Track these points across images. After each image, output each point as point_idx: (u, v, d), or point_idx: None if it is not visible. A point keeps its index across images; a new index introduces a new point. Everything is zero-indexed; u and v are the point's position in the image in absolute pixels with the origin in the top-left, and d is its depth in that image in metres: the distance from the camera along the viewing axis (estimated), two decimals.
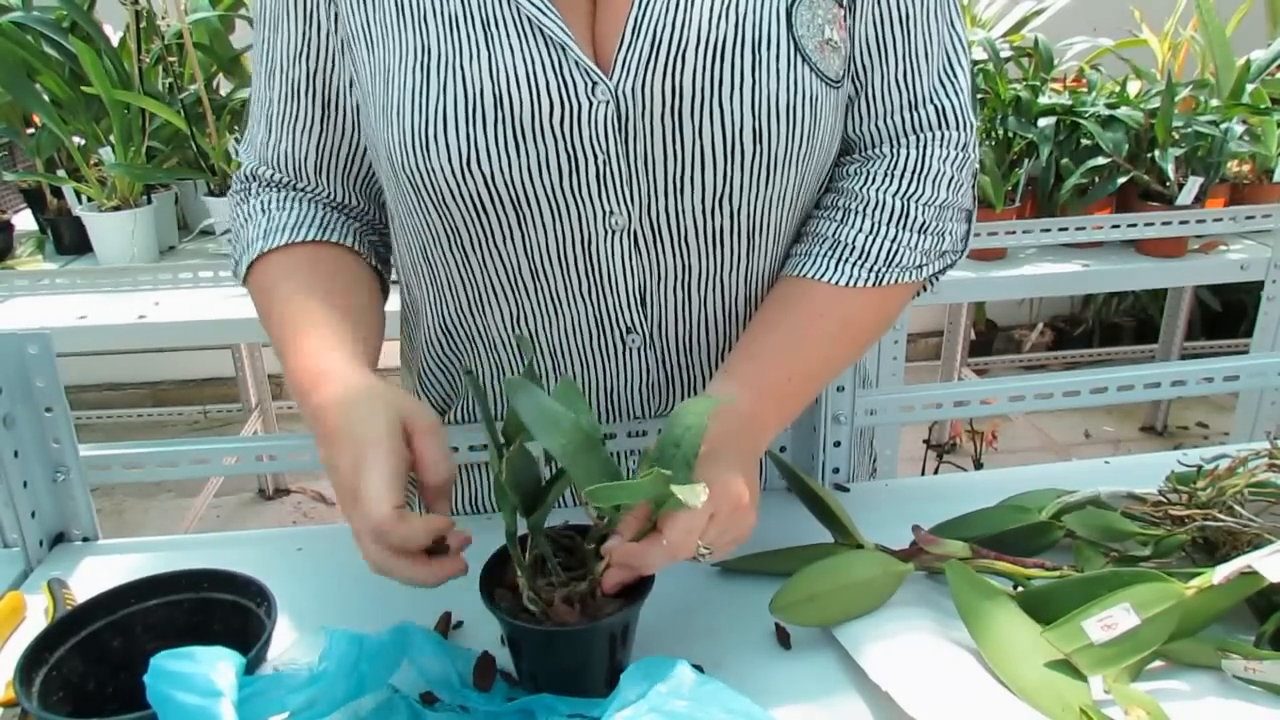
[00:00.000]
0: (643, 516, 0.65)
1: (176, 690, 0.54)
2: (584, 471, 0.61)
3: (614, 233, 0.78)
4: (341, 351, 0.73)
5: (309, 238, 0.82)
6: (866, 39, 0.78)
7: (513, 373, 0.88)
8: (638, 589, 0.66)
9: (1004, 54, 2.18)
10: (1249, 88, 2.04)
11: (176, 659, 0.55)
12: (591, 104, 0.72)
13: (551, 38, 0.71)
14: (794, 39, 0.74)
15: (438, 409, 0.95)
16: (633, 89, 0.72)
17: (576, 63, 0.72)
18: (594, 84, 0.72)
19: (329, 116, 0.83)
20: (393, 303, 0.90)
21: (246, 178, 0.88)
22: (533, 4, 0.72)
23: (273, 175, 0.86)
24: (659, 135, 0.74)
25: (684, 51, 0.72)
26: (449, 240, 0.80)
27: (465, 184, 0.74)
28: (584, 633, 0.64)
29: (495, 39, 0.72)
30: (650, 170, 0.75)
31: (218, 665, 0.55)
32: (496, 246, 0.79)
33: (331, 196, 0.86)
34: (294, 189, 0.86)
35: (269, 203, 0.85)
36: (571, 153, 0.74)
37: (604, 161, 0.74)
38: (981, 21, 2.31)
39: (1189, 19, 2.25)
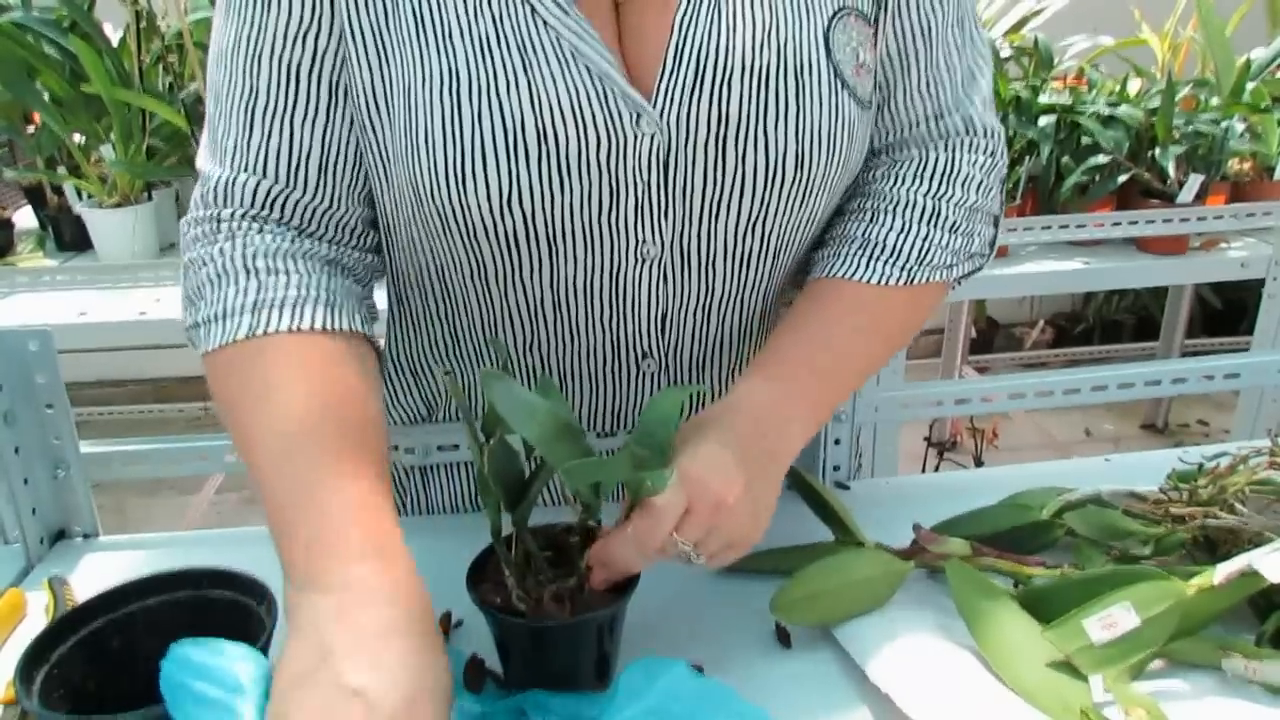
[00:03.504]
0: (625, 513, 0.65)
1: (198, 680, 0.53)
2: (560, 456, 0.60)
3: (643, 262, 0.76)
4: (381, 524, 0.60)
5: (316, 325, 0.66)
6: (888, 52, 0.77)
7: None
8: (627, 581, 0.66)
9: (1004, 53, 2.18)
10: (1249, 86, 2.04)
11: (201, 648, 0.55)
12: (637, 136, 0.69)
13: (593, 68, 0.68)
14: (833, 64, 0.72)
15: (427, 403, 0.94)
16: (678, 118, 0.70)
17: (623, 94, 0.68)
18: (638, 115, 0.69)
19: (336, 105, 0.71)
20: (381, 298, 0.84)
21: (215, 199, 0.71)
22: (571, 30, 0.67)
23: (260, 185, 0.70)
24: (700, 164, 0.72)
25: (729, 79, 0.70)
26: (471, 271, 0.76)
27: (502, 222, 0.70)
28: (572, 628, 0.64)
29: (534, 66, 0.67)
30: (688, 198, 0.73)
31: (244, 663, 0.55)
32: (522, 279, 0.76)
33: (332, 209, 0.73)
34: (281, 221, 0.72)
35: (255, 257, 0.68)
36: (614, 186, 0.71)
37: (643, 192, 0.72)
38: (981, 21, 2.31)
39: (1189, 18, 2.25)
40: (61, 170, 2.10)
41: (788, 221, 0.77)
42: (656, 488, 0.61)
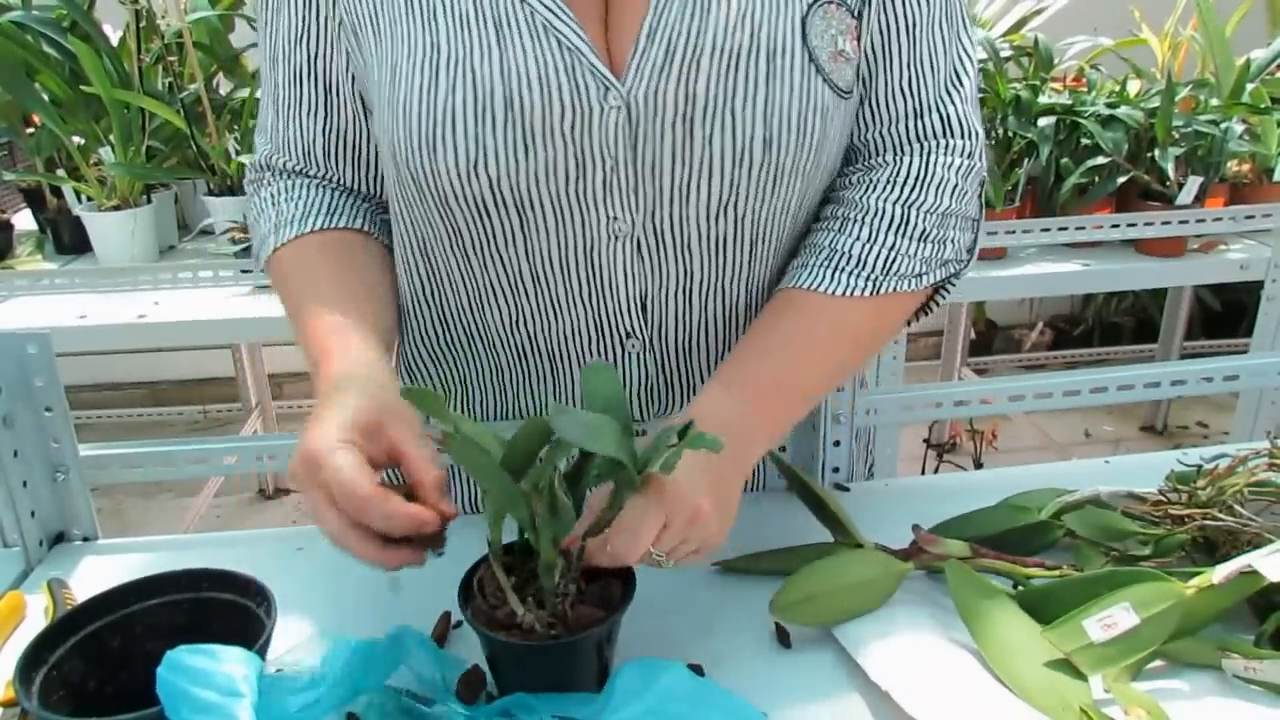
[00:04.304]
0: (595, 509, 0.65)
1: (194, 685, 0.53)
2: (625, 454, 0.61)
3: (617, 238, 0.77)
4: (344, 334, 0.73)
5: (317, 226, 0.83)
6: (872, 46, 0.78)
7: (510, 373, 0.88)
8: (623, 592, 0.66)
9: (1004, 53, 2.18)
10: (1249, 87, 2.04)
11: (196, 654, 0.55)
12: (603, 109, 0.72)
13: (565, 41, 0.71)
14: (808, 49, 0.73)
15: None
16: (645, 95, 0.72)
17: (591, 67, 0.71)
18: (606, 89, 0.71)
19: (333, 101, 0.82)
20: None
21: (261, 166, 0.88)
22: (546, 7, 0.71)
23: (285, 161, 0.85)
24: (668, 142, 0.73)
25: (699, 59, 0.71)
26: (450, 240, 0.80)
27: (470, 186, 0.74)
28: (571, 645, 0.63)
29: (507, 40, 0.71)
30: (657, 176, 0.75)
31: (239, 666, 0.55)
32: (498, 249, 0.79)
33: (341, 180, 0.86)
34: (305, 175, 0.86)
35: (278, 194, 0.85)
36: (580, 158, 0.73)
37: (612, 167, 0.74)
38: (981, 21, 2.31)
39: (1189, 18, 2.25)
40: (60, 173, 2.10)
41: (761, 207, 0.77)
42: (671, 464, 0.61)
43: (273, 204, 0.85)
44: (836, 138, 0.78)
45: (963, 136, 0.80)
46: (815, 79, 0.74)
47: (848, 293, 0.77)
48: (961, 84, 0.81)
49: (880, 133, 0.81)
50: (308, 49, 0.80)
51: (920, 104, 0.79)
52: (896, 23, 0.77)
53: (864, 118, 0.81)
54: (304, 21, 0.80)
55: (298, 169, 0.86)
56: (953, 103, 0.80)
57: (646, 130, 0.73)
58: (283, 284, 0.83)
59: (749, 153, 0.74)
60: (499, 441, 0.62)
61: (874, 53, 0.78)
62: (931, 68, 0.79)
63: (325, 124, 0.83)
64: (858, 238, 0.78)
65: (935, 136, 0.80)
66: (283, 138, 0.85)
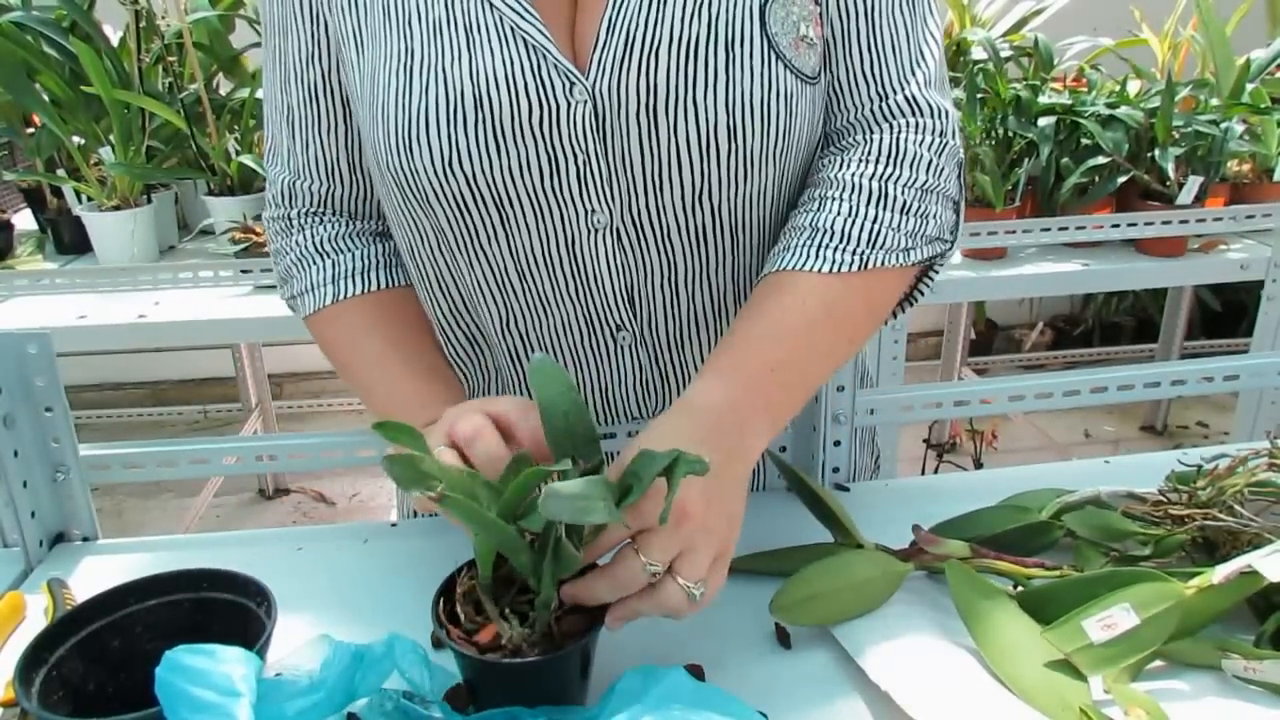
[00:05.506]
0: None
1: (192, 685, 0.53)
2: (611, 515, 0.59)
3: (597, 231, 0.78)
4: (440, 396, 0.80)
5: (381, 285, 0.86)
6: (831, 32, 0.78)
7: (509, 374, 0.89)
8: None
9: (1004, 53, 2.18)
10: (1249, 87, 2.04)
11: (195, 654, 0.55)
12: (569, 104, 0.73)
13: (530, 41, 0.73)
14: (768, 37, 0.74)
15: None
16: (608, 88, 0.73)
17: (555, 64, 0.73)
18: (571, 84, 0.73)
19: (350, 114, 0.83)
20: None
21: (283, 199, 0.88)
22: (513, 9, 0.73)
23: (312, 186, 0.86)
24: (635, 133, 0.74)
25: (656, 50, 0.73)
26: (436, 240, 0.81)
27: (448, 184, 0.75)
28: (564, 658, 0.62)
29: (476, 43, 0.73)
30: (629, 168, 0.76)
31: (238, 666, 0.55)
32: (482, 247, 0.80)
33: (370, 196, 0.87)
34: (336, 211, 0.87)
35: (323, 242, 0.86)
36: (551, 152, 0.75)
37: (584, 161, 0.75)
38: (981, 21, 2.31)
39: (1189, 18, 2.25)
40: (61, 173, 2.10)
41: (735, 195, 0.78)
42: (665, 515, 0.59)
43: (320, 254, 0.86)
44: (806, 123, 0.78)
45: (931, 116, 0.80)
46: (776, 66, 0.75)
47: (835, 269, 0.75)
48: (925, 63, 0.80)
49: (849, 120, 0.81)
50: (321, 65, 0.82)
51: (885, 87, 0.79)
52: (855, 8, 0.78)
53: (831, 107, 0.81)
54: (314, 39, 0.81)
55: (327, 193, 0.86)
56: (916, 84, 0.79)
57: (613, 123, 0.74)
58: (347, 341, 0.85)
59: (714, 141, 0.75)
60: (479, 486, 0.61)
61: (834, 39, 0.79)
62: (893, 51, 0.79)
63: (347, 138, 0.84)
64: (839, 213, 0.77)
65: (903, 115, 0.79)
66: (303, 160, 0.85)
